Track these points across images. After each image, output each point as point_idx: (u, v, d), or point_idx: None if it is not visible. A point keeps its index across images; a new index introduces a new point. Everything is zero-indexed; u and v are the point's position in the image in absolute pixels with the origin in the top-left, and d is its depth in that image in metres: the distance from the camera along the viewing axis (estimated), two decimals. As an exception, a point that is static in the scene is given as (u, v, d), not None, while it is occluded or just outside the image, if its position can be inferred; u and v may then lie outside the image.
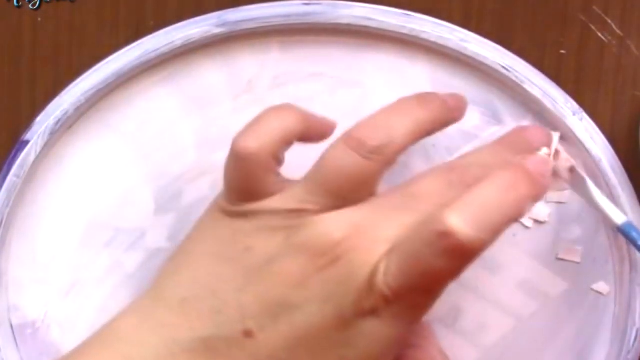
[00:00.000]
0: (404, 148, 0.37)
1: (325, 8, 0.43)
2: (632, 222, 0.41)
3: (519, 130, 0.40)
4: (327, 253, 0.35)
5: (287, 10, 0.43)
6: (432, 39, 0.43)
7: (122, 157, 0.44)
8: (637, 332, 0.43)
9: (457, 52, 0.43)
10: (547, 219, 0.44)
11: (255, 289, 0.36)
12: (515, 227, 0.44)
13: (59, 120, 0.43)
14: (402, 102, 0.38)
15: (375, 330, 0.35)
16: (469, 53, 0.43)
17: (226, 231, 0.37)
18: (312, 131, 0.39)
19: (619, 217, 0.41)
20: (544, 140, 0.39)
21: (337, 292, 0.35)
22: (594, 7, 0.44)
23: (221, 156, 0.44)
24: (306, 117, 0.38)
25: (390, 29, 0.43)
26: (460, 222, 0.33)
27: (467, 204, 0.34)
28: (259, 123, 0.37)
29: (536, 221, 0.44)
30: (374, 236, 0.35)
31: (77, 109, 0.43)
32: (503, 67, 0.43)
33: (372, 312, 0.35)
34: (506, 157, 0.38)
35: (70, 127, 0.44)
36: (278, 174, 0.38)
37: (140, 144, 0.44)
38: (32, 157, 0.43)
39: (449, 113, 0.40)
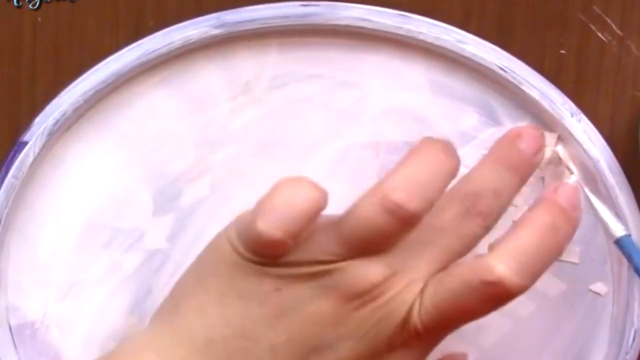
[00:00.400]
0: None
1: (323, 9, 0.43)
2: (630, 236, 0.41)
3: (512, 139, 0.40)
4: (365, 294, 0.35)
5: (286, 11, 0.43)
6: (430, 40, 0.43)
7: (120, 158, 0.44)
8: (635, 332, 0.43)
9: (455, 52, 0.43)
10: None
11: (287, 328, 0.35)
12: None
13: (58, 121, 0.43)
14: (429, 153, 0.37)
15: None
16: (466, 54, 0.43)
17: (251, 274, 0.36)
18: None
19: (618, 230, 0.41)
20: (538, 147, 0.39)
21: (373, 331, 0.36)
22: (594, 7, 0.44)
23: (220, 157, 0.44)
24: (324, 191, 0.36)
25: (388, 30, 0.43)
26: (508, 271, 0.35)
27: (512, 251, 0.35)
28: (281, 202, 0.35)
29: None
30: (408, 276, 0.36)
31: (76, 109, 0.43)
32: (500, 67, 0.43)
33: (402, 345, 0.36)
34: (511, 179, 0.38)
35: (69, 128, 0.44)
36: None
37: (138, 144, 0.44)
38: (30, 158, 0.43)
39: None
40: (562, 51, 0.44)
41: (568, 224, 0.37)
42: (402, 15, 0.43)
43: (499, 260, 0.35)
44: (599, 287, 0.44)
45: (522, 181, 0.39)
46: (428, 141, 0.38)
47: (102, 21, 0.45)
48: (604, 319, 0.44)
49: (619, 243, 0.41)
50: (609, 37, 0.44)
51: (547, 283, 0.44)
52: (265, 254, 0.36)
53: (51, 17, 0.45)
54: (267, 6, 0.43)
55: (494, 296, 0.35)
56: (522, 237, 0.36)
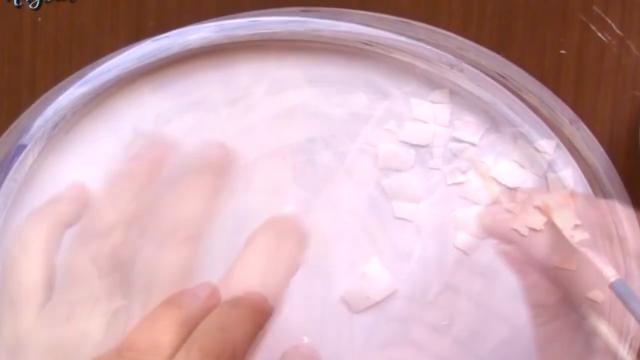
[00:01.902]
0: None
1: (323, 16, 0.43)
2: (621, 279, 0.41)
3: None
4: None
5: (286, 18, 0.43)
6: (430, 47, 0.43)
7: (119, 162, 0.44)
8: (632, 340, 0.43)
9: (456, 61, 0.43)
10: (542, 227, 0.44)
11: None
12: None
13: (57, 124, 0.43)
14: (160, 307, 0.35)
15: None
16: (467, 61, 0.43)
17: None
18: None
19: (610, 275, 0.41)
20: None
21: None
22: (594, 7, 0.44)
23: (218, 162, 0.44)
24: None
25: (388, 37, 0.43)
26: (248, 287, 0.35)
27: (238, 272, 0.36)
28: None
29: (532, 229, 0.44)
30: None
31: (75, 113, 0.43)
32: (500, 75, 0.43)
33: None
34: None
35: (68, 131, 0.44)
36: None
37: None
38: (29, 161, 0.43)
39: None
40: (562, 51, 0.44)
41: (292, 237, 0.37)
42: (403, 21, 0.43)
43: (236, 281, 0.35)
44: (596, 294, 0.44)
45: None
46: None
47: (102, 21, 0.45)
48: (601, 326, 0.44)
49: (613, 288, 0.41)
50: (609, 37, 0.44)
51: (544, 290, 0.44)
52: None
53: (51, 17, 0.45)
54: (266, 12, 0.43)
55: (250, 314, 0.34)
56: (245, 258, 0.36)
